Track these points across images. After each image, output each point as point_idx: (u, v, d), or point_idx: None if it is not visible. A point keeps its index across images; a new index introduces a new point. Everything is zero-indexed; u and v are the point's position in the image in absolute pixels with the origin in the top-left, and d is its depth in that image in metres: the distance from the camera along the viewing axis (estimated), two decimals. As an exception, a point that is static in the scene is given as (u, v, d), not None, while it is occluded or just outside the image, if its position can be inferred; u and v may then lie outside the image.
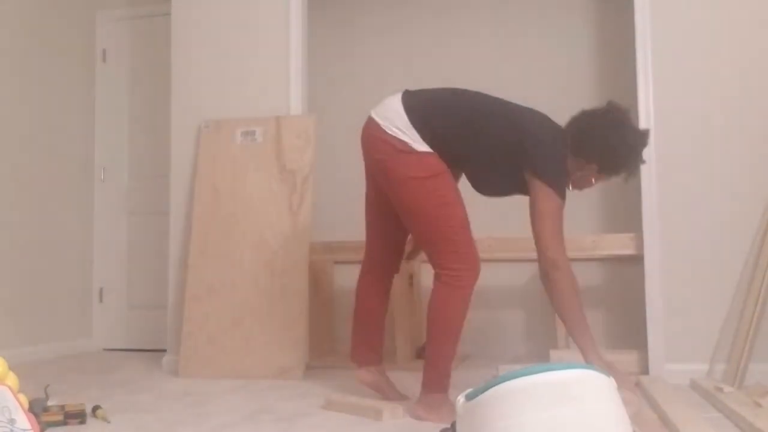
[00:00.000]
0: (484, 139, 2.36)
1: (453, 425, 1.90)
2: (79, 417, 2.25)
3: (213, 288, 3.35)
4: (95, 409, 2.34)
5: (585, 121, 2.35)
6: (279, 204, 3.37)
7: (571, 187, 2.41)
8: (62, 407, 2.27)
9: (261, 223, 3.37)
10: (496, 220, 4.11)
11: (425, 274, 3.92)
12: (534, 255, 2.34)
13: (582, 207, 3.99)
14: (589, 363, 2.25)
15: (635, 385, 2.50)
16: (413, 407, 2.37)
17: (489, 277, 4.28)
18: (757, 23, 3.03)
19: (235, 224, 3.40)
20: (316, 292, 3.78)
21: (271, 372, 3.17)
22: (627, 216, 3.89)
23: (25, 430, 1.73)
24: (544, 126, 2.39)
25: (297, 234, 3.31)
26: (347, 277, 4.16)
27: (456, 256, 2.33)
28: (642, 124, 3.08)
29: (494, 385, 1.24)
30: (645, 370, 3.09)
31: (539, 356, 3.77)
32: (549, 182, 2.27)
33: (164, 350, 3.81)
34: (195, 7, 3.66)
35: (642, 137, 2.34)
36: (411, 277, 3.67)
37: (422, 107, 2.37)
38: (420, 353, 3.40)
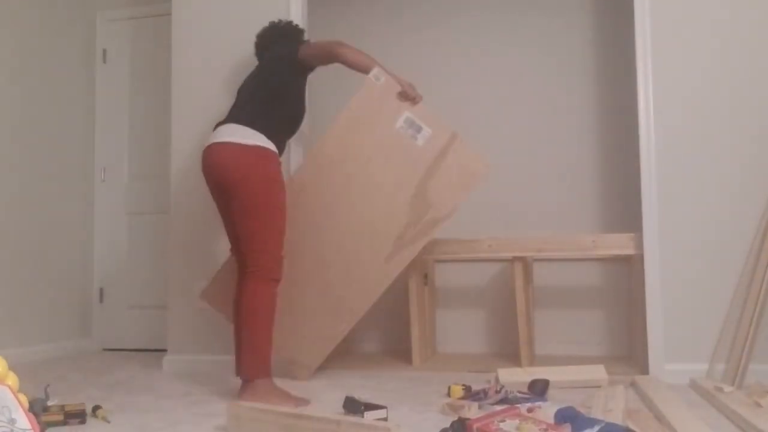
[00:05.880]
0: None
1: (453, 424, 1.90)
2: (80, 417, 2.25)
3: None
4: (95, 409, 2.34)
5: None
6: (279, 204, 3.36)
7: None
8: (62, 407, 2.27)
9: (261, 223, 3.36)
10: (496, 221, 4.12)
11: (439, 272, 3.93)
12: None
13: (582, 207, 4.00)
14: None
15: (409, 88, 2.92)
16: (240, 396, 2.54)
17: (486, 276, 4.30)
18: (756, 24, 3.03)
19: (235, 224, 3.39)
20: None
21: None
22: (627, 216, 3.90)
23: (25, 430, 1.72)
24: None
25: (297, 234, 3.30)
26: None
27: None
28: (642, 124, 3.08)
29: None
30: (645, 370, 3.09)
31: (506, 356, 3.77)
32: None
33: (164, 350, 3.81)
34: (195, 7, 3.66)
35: None
36: (425, 276, 3.63)
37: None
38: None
